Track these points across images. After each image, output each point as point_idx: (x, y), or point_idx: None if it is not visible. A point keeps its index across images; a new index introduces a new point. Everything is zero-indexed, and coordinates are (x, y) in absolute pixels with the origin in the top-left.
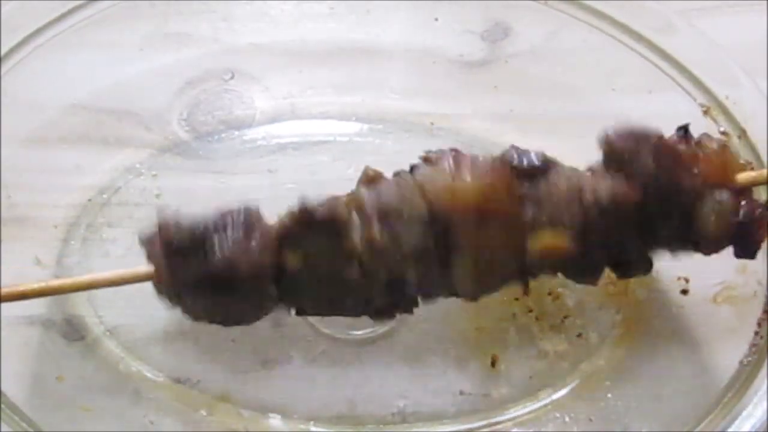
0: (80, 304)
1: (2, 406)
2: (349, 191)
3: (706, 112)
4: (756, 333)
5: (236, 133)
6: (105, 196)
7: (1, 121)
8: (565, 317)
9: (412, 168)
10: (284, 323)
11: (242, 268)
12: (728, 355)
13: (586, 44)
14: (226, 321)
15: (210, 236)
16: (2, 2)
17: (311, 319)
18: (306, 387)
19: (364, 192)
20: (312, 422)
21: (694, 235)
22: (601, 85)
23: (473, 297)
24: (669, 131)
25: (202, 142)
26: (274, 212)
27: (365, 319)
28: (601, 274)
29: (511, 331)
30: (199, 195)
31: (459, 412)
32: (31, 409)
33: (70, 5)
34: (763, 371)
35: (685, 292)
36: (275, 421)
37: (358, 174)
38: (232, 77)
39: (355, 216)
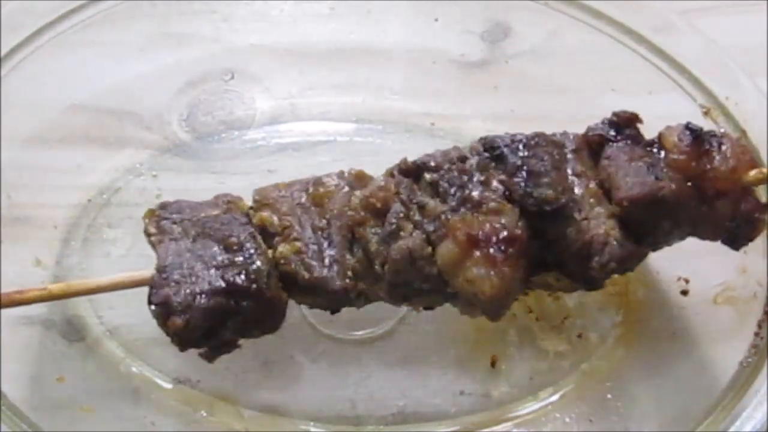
0: (81, 304)
1: (2, 406)
2: None
3: (706, 113)
4: (756, 334)
5: (236, 133)
6: (105, 196)
7: (1, 121)
8: (566, 318)
9: None
10: (284, 324)
11: None
12: (728, 355)
13: (586, 45)
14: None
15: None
16: (3, 3)
17: (312, 319)
18: (306, 387)
19: None
20: (312, 422)
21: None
22: (602, 85)
23: None
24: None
25: (203, 142)
26: None
27: (365, 320)
28: None
29: (512, 332)
30: (199, 195)
31: (459, 412)
32: (32, 409)
33: (71, 5)
34: (764, 372)
35: (685, 292)
36: (275, 421)
37: None
38: (233, 77)
39: None
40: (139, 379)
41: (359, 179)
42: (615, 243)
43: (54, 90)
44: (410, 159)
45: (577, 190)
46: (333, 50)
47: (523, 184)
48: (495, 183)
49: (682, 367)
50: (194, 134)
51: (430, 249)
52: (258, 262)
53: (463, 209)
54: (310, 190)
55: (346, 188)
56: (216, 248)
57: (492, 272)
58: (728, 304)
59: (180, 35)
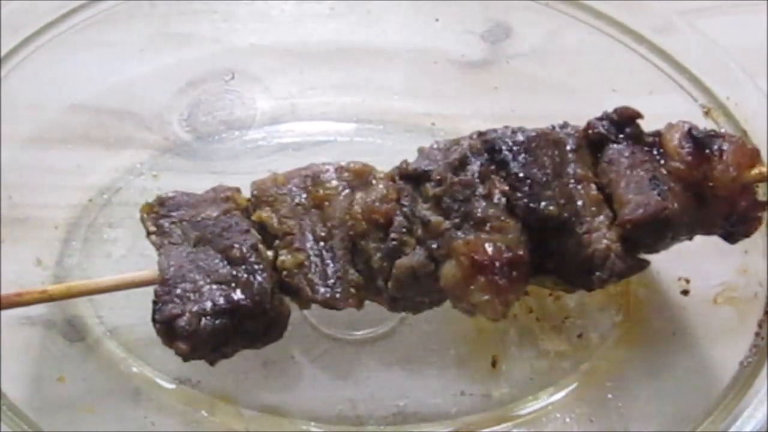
0: (81, 304)
1: (3, 406)
2: None
3: (707, 113)
4: (756, 334)
5: (237, 133)
6: (106, 196)
7: (1, 121)
8: (566, 318)
9: None
10: None
11: None
12: (729, 355)
13: (587, 45)
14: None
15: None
16: (3, 3)
17: (312, 319)
18: (307, 387)
19: None
20: (313, 422)
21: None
22: (602, 85)
23: None
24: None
25: (203, 142)
26: None
27: (366, 320)
28: None
29: (512, 332)
30: None
31: (460, 412)
32: (32, 409)
33: (71, 6)
34: (764, 372)
35: (685, 292)
36: (276, 421)
37: None
38: (233, 78)
39: None
40: (140, 379)
41: (359, 176)
42: (616, 259)
43: (54, 90)
44: (411, 160)
45: (578, 200)
46: (333, 50)
47: (526, 200)
48: (497, 195)
49: (682, 367)
50: (195, 134)
51: (433, 266)
52: (261, 279)
53: (466, 225)
54: (310, 187)
55: (347, 190)
56: (218, 260)
57: (497, 300)
58: (729, 304)
59: (180, 35)
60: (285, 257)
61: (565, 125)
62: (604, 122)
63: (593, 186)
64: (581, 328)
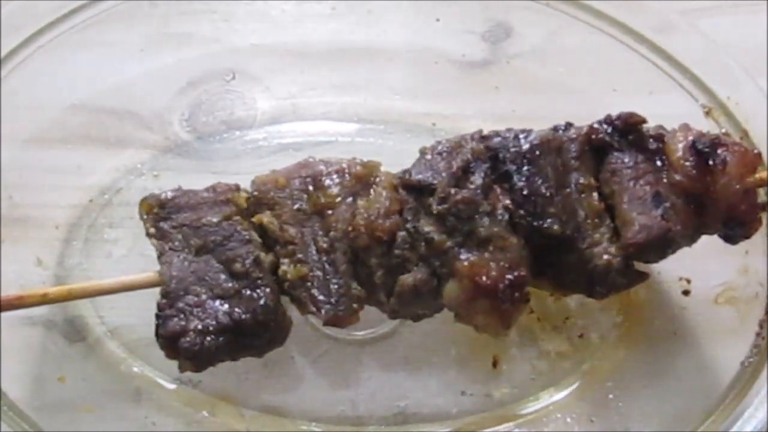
0: (82, 305)
1: (3, 406)
2: None
3: (708, 113)
4: (757, 334)
5: (237, 133)
6: (106, 196)
7: (2, 121)
8: (567, 318)
9: None
10: None
11: None
12: (730, 356)
13: (588, 44)
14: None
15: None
16: (3, 3)
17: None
18: (307, 387)
19: None
20: (313, 422)
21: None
22: (603, 85)
23: None
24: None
25: (204, 142)
26: None
27: (366, 320)
28: None
29: (513, 332)
30: None
31: (460, 412)
32: (32, 409)
33: (71, 6)
34: (765, 372)
35: (686, 292)
36: (276, 421)
37: None
38: (234, 78)
39: None
40: (141, 380)
41: (359, 179)
42: (617, 275)
43: (54, 90)
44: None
45: (580, 211)
46: (334, 50)
47: (529, 218)
48: (500, 210)
49: (683, 367)
50: (195, 134)
51: (435, 282)
52: (265, 296)
53: (469, 243)
54: (311, 191)
55: (349, 198)
56: (220, 273)
57: (499, 322)
58: (729, 304)
59: (181, 35)
60: (287, 267)
61: (567, 127)
62: (607, 128)
63: (595, 195)
64: (582, 329)
